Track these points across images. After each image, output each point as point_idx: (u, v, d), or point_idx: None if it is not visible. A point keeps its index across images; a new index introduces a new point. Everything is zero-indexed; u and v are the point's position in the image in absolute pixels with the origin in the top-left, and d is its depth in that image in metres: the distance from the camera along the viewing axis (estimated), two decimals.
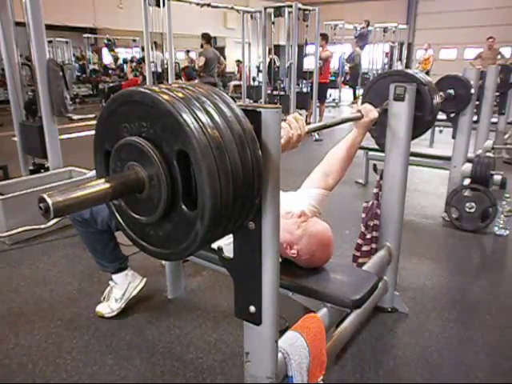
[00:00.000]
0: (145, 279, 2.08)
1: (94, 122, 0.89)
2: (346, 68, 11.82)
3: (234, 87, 11.84)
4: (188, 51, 13.47)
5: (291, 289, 1.56)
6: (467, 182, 3.12)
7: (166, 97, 0.74)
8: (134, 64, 10.29)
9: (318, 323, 1.35)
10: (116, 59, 12.96)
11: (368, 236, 1.99)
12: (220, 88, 9.96)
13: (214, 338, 1.88)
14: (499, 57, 8.29)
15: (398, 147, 1.85)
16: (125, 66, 11.57)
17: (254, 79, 9.87)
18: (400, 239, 2.03)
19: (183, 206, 0.78)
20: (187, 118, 0.72)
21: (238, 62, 12.72)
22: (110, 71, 12.30)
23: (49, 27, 3.39)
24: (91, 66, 12.89)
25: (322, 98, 7.47)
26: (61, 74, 3.20)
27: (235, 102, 0.84)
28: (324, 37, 7.65)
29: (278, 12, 7.03)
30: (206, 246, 0.85)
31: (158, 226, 0.84)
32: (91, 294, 2.18)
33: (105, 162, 0.88)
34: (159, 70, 7.42)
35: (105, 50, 13.43)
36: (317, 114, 7.34)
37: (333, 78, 11.60)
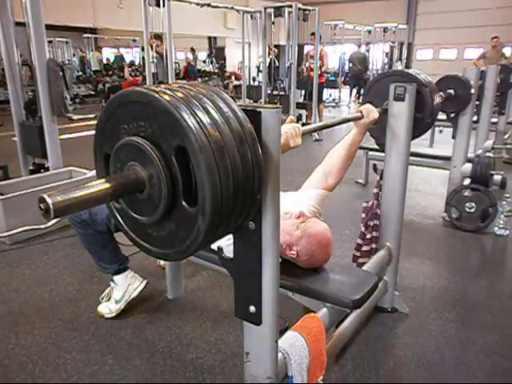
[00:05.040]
0: (145, 281, 2.08)
1: (94, 122, 0.89)
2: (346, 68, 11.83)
3: (234, 87, 11.86)
4: (193, 49, 13.47)
5: (291, 289, 1.56)
6: (467, 181, 3.12)
7: (163, 95, 0.75)
8: (135, 67, 10.31)
9: (317, 323, 1.35)
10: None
11: (368, 236, 1.99)
12: (221, 88, 9.97)
13: (214, 337, 1.88)
14: (502, 58, 8.27)
15: (397, 147, 1.85)
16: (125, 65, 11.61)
17: (254, 79, 9.87)
18: (400, 239, 2.03)
19: (184, 203, 0.78)
20: (184, 113, 0.73)
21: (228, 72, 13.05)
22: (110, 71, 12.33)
23: (49, 27, 3.39)
24: (94, 67, 12.88)
25: (319, 98, 7.44)
26: (61, 74, 3.20)
27: (235, 101, 0.84)
28: (314, 36, 7.61)
29: (278, 12, 7.03)
30: (208, 245, 0.85)
31: (159, 226, 0.84)
32: (91, 294, 2.18)
33: (105, 165, 0.89)
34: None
35: (105, 50, 13.46)
36: (316, 114, 7.33)
37: (333, 78, 11.61)
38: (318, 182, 1.80)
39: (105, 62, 13.43)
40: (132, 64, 11.90)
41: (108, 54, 15.39)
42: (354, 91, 11.05)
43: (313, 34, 7.30)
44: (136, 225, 0.89)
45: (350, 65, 11.01)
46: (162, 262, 2.39)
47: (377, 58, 12.46)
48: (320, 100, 7.61)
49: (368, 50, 11.56)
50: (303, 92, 8.22)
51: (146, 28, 5.83)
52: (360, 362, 1.73)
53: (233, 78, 12.40)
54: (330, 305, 1.48)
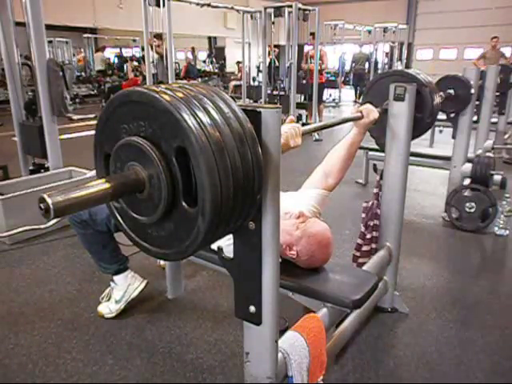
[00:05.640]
0: (145, 281, 2.08)
1: (94, 122, 0.89)
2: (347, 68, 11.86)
3: (234, 87, 11.84)
4: (193, 49, 13.45)
5: (291, 289, 1.56)
6: (467, 182, 3.12)
7: (163, 95, 0.75)
8: (135, 64, 10.28)
9: (317, 323, 1.35)
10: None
11: (368, 236, 1.99)
12: (221, 88, 9.97)
13: (214, 337, 1.88)
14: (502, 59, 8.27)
15: (397, 147, 1.85)
16: (125, 65, 11.59)
17: (254, 79, 9.87)
18: (400, 239, 2.03)
19: (184, 204, 0.78)
20: (185, 114, 0.73)
21: (238, 62, 12.85)
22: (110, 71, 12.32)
23: (49, 27, 3.39)
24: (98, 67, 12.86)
25: (319, 98, 7.44)
26: (61, 74, 3.20)
27: (235, 101, 0.84)
28: (312, 36, 7.61)
29: (278, 12, 7.02)
30: (207, 245, 0.85)
31: (159, 226, 0.84)
32: (91, 294, 2.18)
33: (105, 165, 0.89)
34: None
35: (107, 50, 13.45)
36: (316, 114, 7.34)
37: (333, 78, 11.62)
38: (318, 182, 1.80)
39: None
40: (132, 59, 11.84)
41: (108, 54, 15.37)
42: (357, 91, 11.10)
43: (312, 33, 7.30)
44: (136, 225, 0.89)
45: (353, 64, 11.06)
46: (162, 262, 2.39)
47: (377, 58, 12.47)
48: (320, 100, 7.61)
49: (376, 49, 11.62)
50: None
51: (146, 28, 5.83)
52: (360, 361, 1.73)
53: (239, 75, 12.32)
54: (330, 305, 1.48)
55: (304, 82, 7.45)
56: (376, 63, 11.64)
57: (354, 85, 11.40)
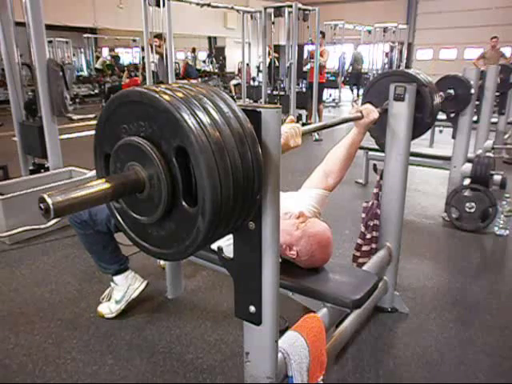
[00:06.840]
0: (146, 281, 2.08)
1: (94, 122, 0.89)
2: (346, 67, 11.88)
3: (234, 87, 11.83)
4: (194, 49, 13.46)
5: (291, 289, 1.56)
6: (467, 181, 3.12)
7: (163, 95, 0.75)
8: (126, 72, 10.33)
9: (317, 323, 1.35)
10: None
11: (368, 236, 1.99)
12: (221, 88, 9.97)
13: (214, 338, 1.88)
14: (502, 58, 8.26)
15: (397, 147, 1.85)
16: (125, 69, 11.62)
17: (253, 79, 9.88)
18: (400, 239, 2.03)
19: (184, 203, 0.78)
20: (185, 114, 0.73)
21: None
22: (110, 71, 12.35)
23: (49, 27, 3.39)
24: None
25: (319, 98, 7.45)
26: (61, 73, 3.20)
27: (235, 101, 0.84)
28: (322, 35, 7.64)
29: (278, 12, 7.03)
30: (207, 245, 0.84)
31: (159, 226, 0.84)
32: (91, 294, 2.18)
33: (105, 165, 0.89)
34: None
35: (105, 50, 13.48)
36: (316, 114, 7.34)
37: (333, 78, 11.63)
38: (318, 182, 1.80)
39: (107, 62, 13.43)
40: (130, 67, 11.88)
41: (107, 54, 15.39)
42: (356, 91, 11.11)
43: (321, 33, 7.33)
44: (136, 225, 0.89)
45: (350, 67, 11.09)
46: (162, 262, 2.39)
47: (377, 58, 12.48)
48: (320, 100, 7.61)
49: (398, 50, 11.66)
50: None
51: (146, 28, 5.83)
52: (360, 362, 1.73)
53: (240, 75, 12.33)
54: (330, 305, 1.48)
55: (304, 91, 7.48)
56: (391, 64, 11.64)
57: (351, 85, 11.42)
